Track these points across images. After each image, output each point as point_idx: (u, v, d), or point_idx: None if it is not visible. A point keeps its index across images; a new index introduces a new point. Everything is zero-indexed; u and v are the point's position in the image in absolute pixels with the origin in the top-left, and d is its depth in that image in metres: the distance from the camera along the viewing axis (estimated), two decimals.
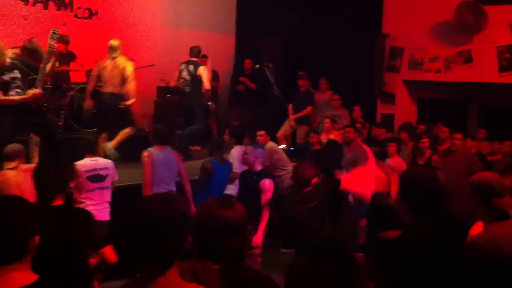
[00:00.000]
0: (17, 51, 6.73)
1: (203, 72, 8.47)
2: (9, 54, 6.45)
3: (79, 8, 9.76)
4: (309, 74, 9.91)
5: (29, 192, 4.68)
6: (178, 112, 9.05)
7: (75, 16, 9.69)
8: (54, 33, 6.01)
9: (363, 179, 6.23)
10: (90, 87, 7.72)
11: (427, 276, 2.74)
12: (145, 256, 1.95)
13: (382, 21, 10.80)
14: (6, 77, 5.84)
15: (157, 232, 1.91)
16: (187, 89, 8.52)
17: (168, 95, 9.79)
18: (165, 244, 1.94)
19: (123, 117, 7.52)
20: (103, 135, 7.44)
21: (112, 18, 10.17)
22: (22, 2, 8.98)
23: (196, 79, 8.44)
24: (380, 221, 6.53)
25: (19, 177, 5.02)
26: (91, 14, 9.96)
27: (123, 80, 7.49)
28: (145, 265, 1.96)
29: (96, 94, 7.71)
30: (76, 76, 8.88)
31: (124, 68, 7.50)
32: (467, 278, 2.78)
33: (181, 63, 8.67)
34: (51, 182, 3.36)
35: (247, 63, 10.76)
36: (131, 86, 7.48)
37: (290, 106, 9.65)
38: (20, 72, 5.91)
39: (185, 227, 2.02)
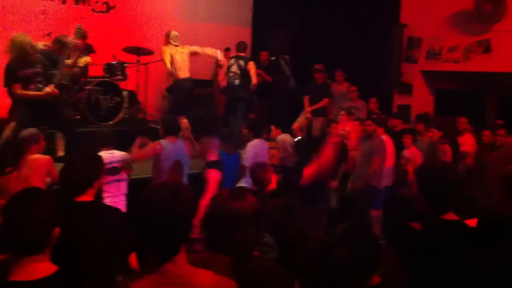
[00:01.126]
0: (48, 43, 6.82)
1: (252, 67, 9.23)
2: (40, 45, 6.57)
3: (97, 2, 9.83)
4: (325, 65, 9.86)
5: (34, 181, 4.78)
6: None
7: (93, 10, 9.77)
8: (79, 29, 6.11)
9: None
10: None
11: (450, 269, 2.73)
12: (152, 243, 1.99)
13: (400, 11, 10.69)
14: (29, 71, 5.93)
15: (162, 219, 1.95)
16: (236, 82, 9.19)
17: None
18: (171, 231, 1.97)
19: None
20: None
21: (130, 12, 10.23)
22: None
23: (245, 73, 9.11)
24: (397, 212, 6.53)
25: (32, 163, 5.08)
26: (109, 8, 10.03)
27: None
28: (152, 253, 2.00)
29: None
30: (94, 70, 8.97)
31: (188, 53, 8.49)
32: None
33: (230, 58, 9.44)
34: (80, 177, 3.14)
35: (264, 55, 10.75)
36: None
37: (306, 98, 9.62)
38: (42, 67, 6.00)
39: (190, 213, 2.05)
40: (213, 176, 5.70)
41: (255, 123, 7.13)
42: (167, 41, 8.51)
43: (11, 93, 6.14)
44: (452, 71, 10.19)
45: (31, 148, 5.18)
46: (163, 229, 1.96)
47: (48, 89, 5.95)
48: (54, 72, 6.02)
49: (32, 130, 5.41)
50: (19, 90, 5.94)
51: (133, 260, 3.23)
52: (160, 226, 1.95)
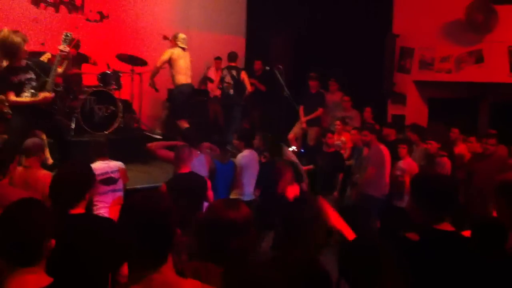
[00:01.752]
0: (50, 57, 6.75)
1: (245, 76, 9.64)
2: (46, 57, 6.51)
3: (90, 11, 9.81)
4: (319, 75, 9.91)
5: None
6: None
7: (87, 19, 9.75)
8: (67, 36, 6.05)
9: None
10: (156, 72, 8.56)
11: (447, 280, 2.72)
12: (137, 253, 2.00)
13: (392, 21, 10.76)
14: (21, 77, 5.87)
15: (145, 228, 1.96)
16: (231, 92, 9.53)
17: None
18: (154, 240, 1.98)
19: None
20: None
21: (123, 21, 10.22)
22: (34, 6, 9.05)
23: (239, 83, 9.46)
24: (393, 222, 6.54)
25: (31, 178, 4.98)
26: (102, 17, 10.01)
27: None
28: (138, 262, 2.00)
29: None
30: (88, 79, 8.93)
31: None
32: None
33: (223, 69, 9.74)
34: (71, 190, 3.08)
35: (257, 64, 10.78)
36: None
37: (301, 108, 9.65)
38: (34, 74, 5.94)
39: (172, 221, 2.06)
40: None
41: (246, 133, 7.14)
42: (173, 43, 8.53)
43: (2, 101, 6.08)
44: (445, 81, 10.26)
45: (35, 159, 5.08)
46: (146, 238, 1.97)
47: (44, 94, 5.90)
48: (46, 79, 5.97)
49: (36, 140, 5.32)
50: (12, 97, 5.86)
51: (125, 269, 3.22)
52: (143, 235, 1.97)
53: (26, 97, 5.89)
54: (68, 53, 6.07)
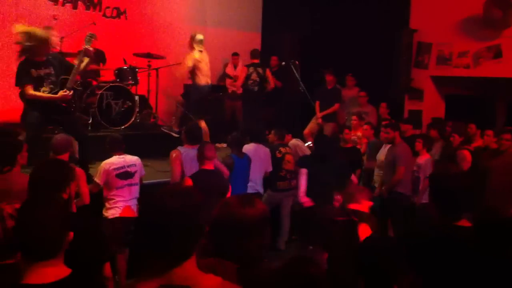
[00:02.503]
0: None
1: (269, 73, 9.67)
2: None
3: (108, 7, 9.87)
4: (335, 70, 9.87)
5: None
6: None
7: (104, 15, 9.80)
8: (91, 36, 6.12)
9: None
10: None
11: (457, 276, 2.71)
12: (162, 248, 1.96)
13: (409, 16, 10.69)
14: (41, 72, 5.91)
15: (173, 225, 1.92)
16: (255, 89, 9.49)
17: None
18: (182, 237, 1.94)
19: None
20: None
21: (140, 17, 10.27)
22: (52, 2, 9.12)
23: (263, 80, 9.45)
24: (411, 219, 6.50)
25: None
26: (120, 14, 10.06)
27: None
28: (162, 257, 1.97)
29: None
30: (105, 75, 9.00)
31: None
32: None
33: (248, 66, 9.62)
34: (50, 183, 3.02)
35: (273, 60, 10.78)
36: None
37: (317, 103, 9.62)
38: (53, 69, 5.98)
39: (201, 219, 2.02)
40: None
41: (251, 128, 7.22)
42: (191, 46, 8.23)
43: (22, 95, 6.10)
44: (463, 76, 10.16)
45: (63, 156, 5.05)
46: (174, 235, 1.94)
47: (63, 92, 5.94)
48: (66, 77, 6.01)
49: (64, 136, 5.33)
50: (31, 91, 5.89)
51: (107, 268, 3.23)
52: (171, 232, 1.93)
53: (44, 92, 5.93)
54: (90, 52, 6.11)
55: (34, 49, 5.82)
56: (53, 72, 5.94)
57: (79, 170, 5.01)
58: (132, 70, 8.73)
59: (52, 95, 5.92)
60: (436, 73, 10.50)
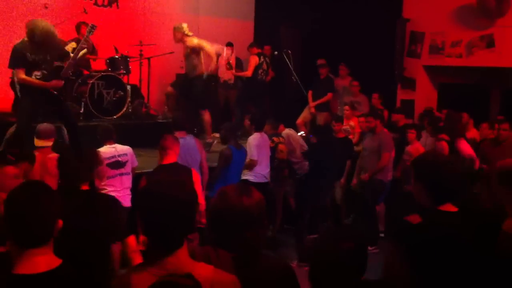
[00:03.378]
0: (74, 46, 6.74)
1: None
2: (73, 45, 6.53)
3: None
4: (328, 60, 9.85)
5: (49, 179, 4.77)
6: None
7: (95, 4, 9.72)
8: (92, 27, 6.10)
9: None
10: None
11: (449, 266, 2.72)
12: (155, 236, 2.00)
13: (402, 5, 10.66)
14: (36, 57, 5.86)
15: (170, 214, 1.96)
16: (264, 77, 9.43)
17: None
18: (177, 225, 1.98)
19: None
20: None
21: (132, 6, 10.20)
22: None
23: (268, 70, 9.36)
24: (400, 207, 6.54)
25: (50, 162, 5.02)
26: (111, 2, 9.99)
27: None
28: (154, 245, 2.01)
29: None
30: (97, 64, 8.94)
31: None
32: (498, 270, 2.74)
33: (260, 56, 9.47)
34: (76, 170, 3.29)
35: (266, 49, 10.72)
36: None
37: (309, 93, 9.62)
38: (49, 55, 5.93)
39: (194, 209, 2.07)
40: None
41: (258, 117, 7.14)
42: (183, 35, 8.09)
43: (13, 83, 6.03)
44: (455, 66, 10.16)
45: (49, 142, 5.20)
46: (167, 224, 1.97)
47: (56, 81, 5.90)
48: (60, 65, 5.97)
49: (48, 125, 5.40)
50: (22, 75, 5.83)
51: (132, 242, 3.34)
52: (164, 221, 1.96)
53: (36, 76, 5.86)
54: (90, 43, 6.07)
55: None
56: (48, 58, 5.89)
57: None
58: (124, 59, 8.68)
59: (44, 82, 5.86)
60: (428, 63, 10.50)
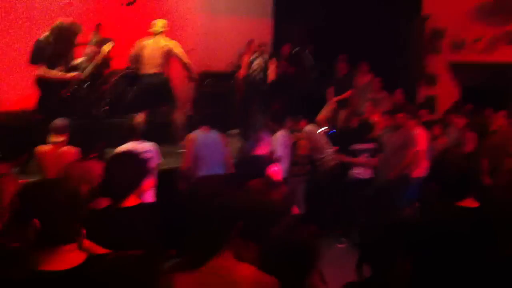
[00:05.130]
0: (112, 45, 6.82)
1: (273, 63, 9.41)
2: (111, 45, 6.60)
3: None
4: (349, 57, 9.81)
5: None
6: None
7: (120, 3, 9.81)
8: (110, 44, 6.20)
9: None
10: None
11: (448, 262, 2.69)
12: (200, 239, 2.05)
13: (422, 1, 10.60)
14: (59, 53, 5.97)
15: (216, 221, 2.04)
16: (260, 75, 9.12)
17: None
18: (220, 228, 2.05)
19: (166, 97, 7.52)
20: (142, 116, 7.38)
21: (152, 6, 10.25)
22: None
23: (266, 68, 9.10)
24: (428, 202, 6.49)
25: (60, 156, 5.12)
26: (130, 2, 10.04)
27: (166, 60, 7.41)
28: (199, 249, 2.05)
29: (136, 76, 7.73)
30: (117, 63, 8.98)
31: (168, 49, 7.38)
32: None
33: (254, 52, 9.16)
34: (127, 179, 2.93)
35: (286, 48, 10.71)
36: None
37: (330, 90, 9.59)
38: (70, 52, 6.07)
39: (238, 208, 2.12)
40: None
41: (279, 115, 7.15)
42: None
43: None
44: (477, 61, 10.08)
45: (67, 138, 5.22)
46: (215, 230, 2.05)
47: (73, 73, 6.02)
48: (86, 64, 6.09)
49: (64, 120, 5.43)
50: (42, 71, 5.93)
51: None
52: (213, 227, 2.05)
53: (61, 71, 5.97)
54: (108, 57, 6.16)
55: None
56: (69, 55, 6.01)
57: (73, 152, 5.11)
58: None
59: (63, 74, 5.96)
60: (450, 59, 10.43)
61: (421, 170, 7.00)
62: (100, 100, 8.01)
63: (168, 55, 7.39)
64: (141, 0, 10.19)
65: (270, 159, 5.98)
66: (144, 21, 9.93)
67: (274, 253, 2.37)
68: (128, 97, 7.90)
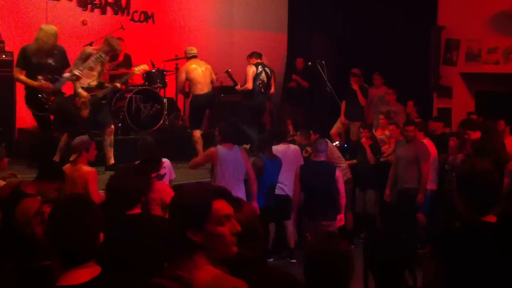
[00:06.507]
0: (97, 46, 7.01)
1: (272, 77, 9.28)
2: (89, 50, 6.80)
3: (136, 11, 10.03)
4: (363, 69, 9.82)
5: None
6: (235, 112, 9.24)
7: (132, 19, 9.96)
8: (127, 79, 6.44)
9: None
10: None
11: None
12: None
13: (437, 12, 10.56)
14: (43, 61, 6.21)
15: None
16: (263, 90, 8.90)
17: (222, 95, 9.94)
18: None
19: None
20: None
21: (167, 20, 10.40)
22: (81, 8, 9.31)
23: (269, 81, 8.94)
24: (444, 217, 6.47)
25: (76, 173, 5.19)
26: (147, 17, 10.21)
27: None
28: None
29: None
30: (134, 78, 9.11)
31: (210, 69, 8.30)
32: None
33: (258, 66, 8.82)
34: (132, 191, 3.20)
35: (299, 62, 10.77)
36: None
37: (343, 103, 9.59)
38: (53, 61, 6.25)
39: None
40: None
41: (275, 132, 7.43)
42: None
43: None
44: (492, 73, 10.00)
45: (81, 156, 5.28)
46: None
47: (43, 82, 6.26)
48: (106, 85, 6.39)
49: (83, 137, 5.52)
50: (19, 75, 6.25)
51: None
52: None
53: (40, 80, 6.21)
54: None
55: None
56: (54, 65, 6.22)
57: (90, 171, 5.16)
58: (160, 73, 8.84)
59: (32, 81, 6.31)
60: (465, 70, 10.34)
61: (428, 182, 7.02)
62: (115, 116, 8.13)
63: (211, 75, 8.22)
64: (159, 16, 10.34)
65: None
66: (161, 37, 10.13)
67: (314, 264, 2.48)
68: (190, 115, 8.55)
